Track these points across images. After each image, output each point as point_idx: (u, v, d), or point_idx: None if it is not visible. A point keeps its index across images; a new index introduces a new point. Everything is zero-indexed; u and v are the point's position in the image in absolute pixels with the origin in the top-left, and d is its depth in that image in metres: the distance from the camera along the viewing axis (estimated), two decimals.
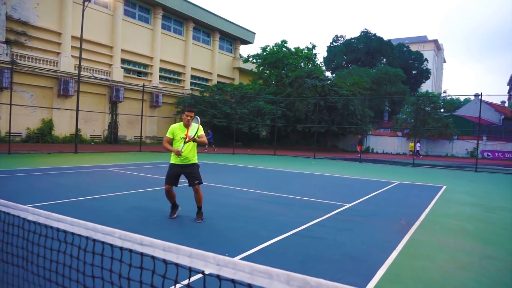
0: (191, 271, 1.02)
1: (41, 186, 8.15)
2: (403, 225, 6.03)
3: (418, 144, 31.38)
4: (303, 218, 6.16)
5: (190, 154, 5.74)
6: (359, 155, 26.94)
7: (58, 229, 1.41)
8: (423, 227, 5.99)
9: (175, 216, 5.83)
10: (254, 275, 0.89)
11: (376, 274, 3.76)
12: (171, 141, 5.78)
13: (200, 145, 5.88)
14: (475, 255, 4.67)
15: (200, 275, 1.11)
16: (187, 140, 5.51)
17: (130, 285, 1.16)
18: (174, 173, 5.71)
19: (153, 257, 1.10)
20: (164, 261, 1.07)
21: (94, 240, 1.26)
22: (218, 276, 0.96)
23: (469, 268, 4.16)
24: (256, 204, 7.40)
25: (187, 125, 5.65)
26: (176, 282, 1.03)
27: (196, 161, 5.88)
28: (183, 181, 6.11)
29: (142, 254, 1.11)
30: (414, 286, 3.55)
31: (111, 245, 1.19)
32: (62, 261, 1.48)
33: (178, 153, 5.51)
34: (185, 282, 1.09)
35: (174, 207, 5.92)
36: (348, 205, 7.56)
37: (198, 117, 5.83)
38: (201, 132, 5.72)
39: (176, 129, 5.73)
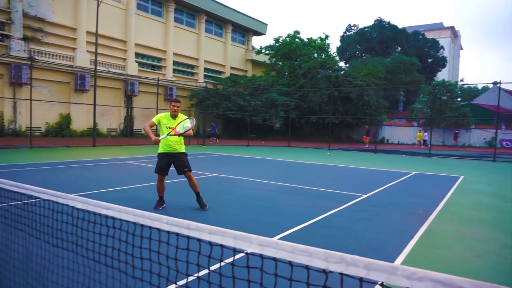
0: (235, 251, 1.14)
1: (64, 179, 8.46)
2: (420, 215, 6.07)
3: (426, 134, 30.95)
4: (320, 209, 6.26)
5: (177, 144, 5.87)
6: (366, 146, 26.76)
7: (106, 216, 1.55)
8: (441, 217, 6.02)
9: (160, 208, 5.86)
10: (295, 254, 1.00)
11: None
12: (153, 126, 5.89)
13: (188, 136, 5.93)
14: (492, 244, 4.70)
15: (243, 254, 1.24)
16: (172, 133, 5.62)
17: (177, 265, 1.29)
18: (163, 162, 5.85)
19: (199, 240, 1.22)
20: (210, 243, 1.19)
21: (142, 225, 1.39)
22: (260, 255, 1.08)
23: (487, 256, 4.20)
24: (273, 195, 7.53)
25: (174, 116, 5.80)
26: (221, 260, 1.15)
27: (184, 150, 5.98)
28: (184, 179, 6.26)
29: (188, 237, 1.24)
30: None
31: (158, 229, 1.32)
32: (111, 245, 1.63)
33: (155, 141, 5.58)
34: (230, 260, 1.21)
35: (161, 201, 5.97)
36: (364, 196, 7.62)
37: (193, 119, 5.95)
38: (188, 124, 5.80)
39: (163, 118, 5.86)
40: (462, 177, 11.45)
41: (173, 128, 5.68)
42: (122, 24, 28.83)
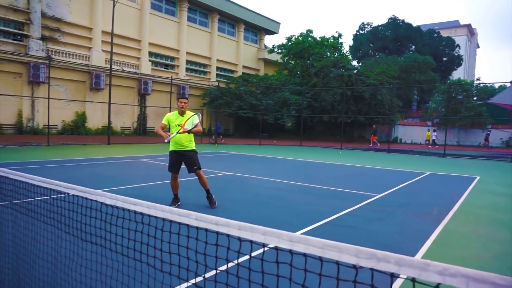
0: (265, 246, 1.17)
1: (81, 176, 8.64)
2: (436, 216, 6.02)
3: (435, 134, 30.50)
4: (334, 208, 6.26)
5: (187, 141, 5.92)
6: (371, 145, 26.52)
7: (135, 212, 1.60)
8: (457, 217, 5.96)
9: (175, 206, 5.89)
10: (325, 249, 1.03)
11: None
12: (164, 127, 5.95)
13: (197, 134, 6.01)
14: (510, 245, 4.64)
15: (273, 250, 1.27)
16: (181, 131, 5.67)
17: (206, 259, 1.33)
18: (174, 160, 5.94)
19: (228, 236, 1.26)
20: (239, 238, 1.23)
21: (170, 221, 1.44)
22: (290, 251, 1.11)
23: (505, 258, 4.16)
24: (286, 194, 7.56)
25: (182, 112, 5.86)
26: (250, 256, 1.19)
27: (194, 148, 6.04)
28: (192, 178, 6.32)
29: (217, 233, 1.28)
30: None
31: (187, 225, 1.37)
32: (139, 240, 1.69)
33: (167, 139, 5.62)
34: (258, 252, 1.24)
35: (176, 199, 6.04)
36: (378, 196, 7.58)
37: (200, 114, 5.99)
38: (197, 120, 5.83)
39: (171, 116, 5.93)
40: (478, 177, 11.28)
41: (182, 125, 5.75)
42: (137, 24, 29.18)
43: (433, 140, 30.38)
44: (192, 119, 5.84)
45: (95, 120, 26.19)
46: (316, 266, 1.18)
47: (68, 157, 12.57)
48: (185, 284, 2.37)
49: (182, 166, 6.09)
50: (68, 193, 2.05)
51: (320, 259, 1.06)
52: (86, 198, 1.86)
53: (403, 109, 41.54)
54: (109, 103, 19.90)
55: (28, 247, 2.43)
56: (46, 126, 21.02)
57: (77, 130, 24.87)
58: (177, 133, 5.72)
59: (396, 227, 5.24)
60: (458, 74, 66.67)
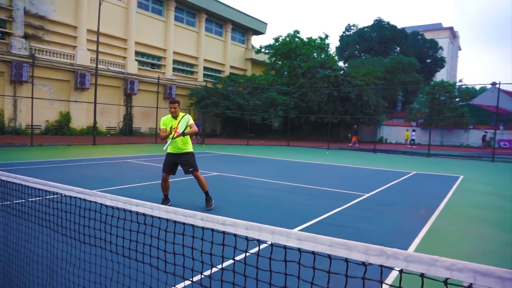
0: (273, 245, 1.19)
1: (67, 177, 8.49)
2: (423, 214, 6.15)
3: (414, 133, 31.13)
4: (324, 207, 6.33)
5: (183, 143, 5.93)
6: (355, 145, 26.88)
7: (137, 213, 1.60)
8: (443, 216, 6.10)
9: None
10: (334, 247, 1.06)
11: None
12: (165, 132, 5.94)
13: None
14: (496, 242, 4.78)
15: (265, 246, 1.29)
16: (175, 136, 5.70)
17: (212, 259, 1.34)
18: (170, 162, 5.93)
19: (235, 235, 1.28)
20: (246, 238, 1.25)
21: (175, 222, 1.45)
22: (299, 249, 1.14)
23: (492, 255, 4.28)
24: (276, 194, 7.60)
25: (175, 116, 5.85)
26: (258, 255, 1.21)
27: (191, 150, 6.05)
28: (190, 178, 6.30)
29: (224, 232, 1.29)
30: None
31: (192, 225, 1.38)
32: (141, 241, 1.68)
33: (174, 135, 5.68)
34: (264, 246, 1.26)
35: (166, 199, 6.05)
36: (367, 195, 7.70)
37: (189, 116, 6.00)
38: (191, 121, 5.88)
39: (166, 121, 5.94)
40: (462, 176, 11.56)
41: (175, 129, 5.74)
42: (123, 23, 28.81)
43: (413, 140, 30.94)
44: (184, 121, 5.82)
45: (80, 120, 25.74)
46: (326, 263, 1.20)
47: (53, 158, 12.33)
48: (188, 282, 2.38)
49: (178, 168, 6.09)
50: (62, 194, 2.03)
51: (329, 256, 1.09)
52: (85, 200, 1.84)
53: (388, 110, 42.18)
54: (95, 103, 19.60)
55: (21, 249, 2.39)
56: (29, 126, 20.55)
57: (61, 130, 24.39)
58: (172, 139, 5.73)
59: (386, 226, 5.33)
60: (441, 75, 68.07)
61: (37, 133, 23.07)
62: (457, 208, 6.79)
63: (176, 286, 1.87)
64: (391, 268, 0.98)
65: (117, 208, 1.70)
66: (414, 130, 31.75)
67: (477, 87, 63.77)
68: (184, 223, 1.41)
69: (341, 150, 23.99)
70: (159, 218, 1.51)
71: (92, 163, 11.60)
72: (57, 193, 2.03)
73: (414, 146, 29.73)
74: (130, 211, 1.64)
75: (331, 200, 7.02)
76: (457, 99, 38.89)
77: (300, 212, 6.01)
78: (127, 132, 28.83)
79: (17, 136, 21.10)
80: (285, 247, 1.16)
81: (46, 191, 2.11)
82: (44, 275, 2.22)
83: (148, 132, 30.28)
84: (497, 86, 20.02)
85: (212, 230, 1.34)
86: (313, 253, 1.11)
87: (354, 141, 27.85)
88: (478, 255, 4.25)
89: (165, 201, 6.03)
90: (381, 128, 37.75)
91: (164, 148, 5.81)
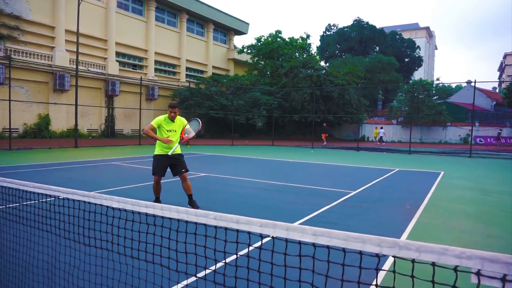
0: (288, 242, 1.25)
1: (51, 181, 8.30)
2: (409, 210, 6.34)
3: (382, 131, 31.90)
4: (313, 206, 6.43)
5: (175, 145, 5.97)
6: (324, 143, 27.35)
7: (146, 214, 1.63)
8: (428, 211, 6.31)
9: None
10: (348, 241, 1.13)
11: None
12: (153, 129, 5.87)
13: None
14: (478, 235, 4.99)
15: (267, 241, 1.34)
16: (183, 141, 5.77)
17: (225, 257, 1.39)
18: (161, 164, 5.88)
19: (249, 233, 1.32)
20: (261, 235, 1.30)
21: (186, 222, 1.48)
22: (313, 244, 1.20)
23: (475, 246, 4.47)
24: (264, 193, 7.66)
25: (172, 120, 5.86)
26: (273, 251, 1.26)
27: (180, 151, 6.08)
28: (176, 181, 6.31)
29: (237, 230, 1.34)
30: None
31: (205, 225, 1.42)
32: (151, 242, 1.71)
33: (168, 141, 5.69)
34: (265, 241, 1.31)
35: (157, 201, 6.04)
36: (353, 192, 7.86)
37: (199, 120, 6.07)
38: (196, 126, 6.07)
39: (162, 121, 5.87)
40: (442, 172, 11.93)
41: (181, 135, 5.82)
42: (102, 23, 28.28)
43: (381, 137, 31.63)
44: (192, 126, 5.98)
45: (60, 122, 25.13)
46: (340, 256, 1.27)
47: (34, 162, 12.02)
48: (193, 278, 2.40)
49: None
50: (58, 197, 2.03)
51: (344, 250, 1.15)
52: (89, 203, 1.85)
53: (369, 108, 42.98)
54: (76, 105, 19.19)
55: (19, 255, 2.36)
56: (7, 130, 19.94)
57: (40, 133, 23.75)
58: (179, 143, 5.81)
59: (374, 222, 5.48)
60: (419, 74, 69.82)
61: (15, 136, 22.40)
62: (440, 203, 7.02)
63: (188, 280, 1.90)
64: (402, 259, 1.06)
65: (125, 210, 1.71)
66: (382, 128, 32.45)
67: (453, 86, 65.70)
68: (196, 223, 1.45)
69: (325, 148, 24.30)
70: (169, 218, 1.53)
71: (76, 166, 11.38)
72: (53, 196, 2.03)
73: (383, 144, 30.48)
74: (139, 213, 1.66)
75: (319, 198, 7.14)
76: (435, 97, 40.02)
77: (289, 210, 6.10)
78: (109, 134, 28.33)
79: None
80: (299, 243, 1.22)
81: (46, 195, 2.11)
82: (45, 280, 2.20)
83: (130, 134, 29.85)
84: (472, 84, 20.72)
85: (226, 228, 1.38)
86: (327, 247, 1.17)
87: (323, 139, 28.33)
88: (463, 247, 4.42)
89: (157, 203, 6.00)
90: (363, 127, 38.43)
91: (170, 153, 5.74)
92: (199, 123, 6.03)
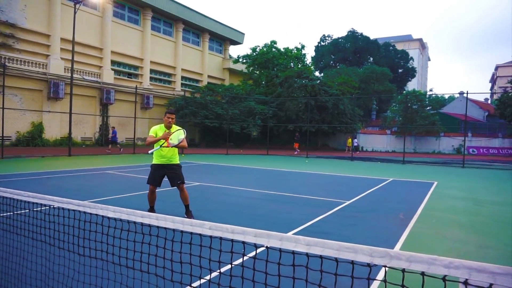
0: (281, 251, 1.27)
1: (44, 190, 8.23)
2: (402, 220, 6.38)
3: (355, 140, 32.16)
4: (307, 215, 6.45)
5: (171, 155, 5.92)
6: (295, 152, 27.45)
7: (142, 224, 1.64)
8: (421, 221, 6.35)
9: None
10: (341, 251, 1.15)
11: None
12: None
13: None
14: (472, 245, 5.03)
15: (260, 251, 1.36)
16: (165, 145, 5.67)
17: (220, 266, 1.40)
18: (157, 174, 5.86)
19: (243, 243, 1.34)
20: (255, 245, 1.32)
21: (181, 232, 1.50)
22: (306, 254, 1.22)
23: (468, 257, 4.50)
24: (259, 202, 7.66)
25: (168, 127, 5.85)
26: (267, 261, 1.28)
27: (178, 162, 6.04)
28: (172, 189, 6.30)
29: (232, 240, 1.36)
30: None
31: (200, 235, 1.43)
32: (146, 251, 1.71)
33: (166, 137, 5.63)
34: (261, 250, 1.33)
35: (152, 210, 6.03)
36: (347, 202, 7.89)
37: (185, 130, 5.98)
38: (182, 136, 5.84)
39: (158, 130, 5.87)
40: (436, 182, 12.01)
41: (166, 139, 5.71)
42: (98, 32, 28.37)
43: (355, 147, 31.84)
44: (178, 134, 5.82)
45: (53, 130, 24.98)
46: (332, 266, 1.29)
47: (27, 170, 11.92)
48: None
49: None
50: (51, 206, 2.03)
51: (336, 260, 1.18)
52: (85, 212, 1.86)
53: (363, 118, 43.32)
54: (70, 113, 19.13)
55: (11, 265, 2.34)
56: (0, 138, 19.76)
57: (33, 141, 23.57)
58: (161, 146, 5.69)
59: (368, 232, 5.50)
60: (412, 85, 70.65)
61: (7, 144, 22.19)
62: (434, 213, 7.07)
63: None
64: (393, 268, 1.08)
65: (120, 220, 1.72)
66: (355, 137, 32.70)
67: (446, 96, 66.56)
68: (191, 232, 1.46)
69: (319, 158, 24.38)
70: (165, 228, 1.55)
71: (69, 174, 11.30)
72: (46, 205, 2.03)
73: (357, 152, 30.92)
74: (135, 222, 1.67)
75: (313, 208, 7.16)
76: (428, 108, 40.43)
77: (284, 220, 6.10)
78: (103, 142, 28.18)
79: None
80: (293, 252, 1.24)
81: (40, 204, 2.11)
82: None
83: (124, 143, 29.72)
84: (465, 95, 21.03)
85: (221, 238, 1.40)
86: (320, 257, 1.19)
87: (296, 148, 28.39)
88: (456, 257, 4.45)
89: (151, 212, 5.98)
90: (358, 136, 38.65)
91: (150, 152, 5.76)
92: (184, 134, 5.91)
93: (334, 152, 32.27)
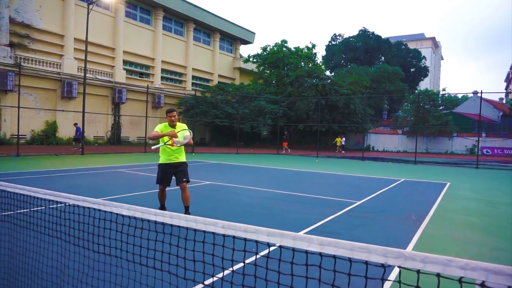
0: (294, 251, 1.27)
1: (58, 188, 8.38)
2: (414, 221, 6.30)
3: (343, 139, 31.74)
4: (318, 215, 6.42)
5: (179, 153, 5.94)
6: (283, 151, 27.22)
7: (155, 222, 1.66)
8: (433, 222, 6.27)
9: None
10: (354, 251, 1.15)
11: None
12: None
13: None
14: (485, 247, 4.95)
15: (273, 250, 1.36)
16: (169, 143, 5.68)
17: (233, 265, 1.41)
18: (166, 173, 5.86)
19: (256, 242, 1.35)
20: (268, 244, 1.32)
21: (195, 230, 1.51)
22: (320, 254, 1.22)
23: (481, 259, 4.43)
24: (269, 202, 7.66)
25: (172, 125, 5.86)
26: (280, 260, 1.28)
27: (185, 160, 6.05)
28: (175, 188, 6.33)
29: (245, 239, 1.37)
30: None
31: (213, 233, 1.44)
32: (160, 249, 1.73)
33: (172, 134, 5.62)
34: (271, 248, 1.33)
35: (163, 208, 6.05)
36: (358, 202, 7.84)
37: (190, 131, 5.95)
38: (187, 133, 5.84)
39: (163, 128, 5.88)
40: (448, 183, 11.84)
41: (171, 138, 5.73)
42: (111, 32, 28.72)
43: (343, 146, 31.46)
44: (183, 133, 5.84)
45: (67, 129, 25.37)
46: (346, 266, 1.28)
47: (41, 168, 12.14)
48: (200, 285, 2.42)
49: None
50: (66, 203, 2.06)
51: (350, 260, 1.17)
52: (100, 210, 1.89)
53: (374, 118, 42.91)
54: (83, 112, 19.41)
55: (29, 260, 2.40)
56: (15, 136, 20.19)
57: (47, 140, 23.99)
58: (165, 144, 5.72)
59: (379, 233, 5.45)
60: (425, 84, 69.72)
61: (23, 143, 22.63)
62: (446, 215, 6.97)
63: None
64: (407, 269, 1.07)
65: (135, 218, 1.74)
66: (343, 137, 32.21)
67: (459, 96, 65.50)
68: (204, 231, 1.48)
69: (330, 158, 24.26)
70: (178, 226, 1.56)
71: (82, 173, 11.47)
72: (62, 203, 2.06)
73: (343, 152, 30.54)
74: (149, 221, 1.69)
75: (324, 208, 7.13)
76: (441, 107, 39.84)
77: (294, 220, 6.09)
78: (115, 141, 28.53)
79: (1, 146, 20.65)
80: (306, 252, 1.25)
81: (57, 201, 2.14)
82: (54, 286, 2.23)
83: (136, 142, 30.03)
84: (479, 95, 20.66)
85: (234, 237, 1.41)
86: (334, 257, 1.19)
87: (285, 147, 28.18)
88: (468, 259, 4.39)
89: (162, 210, 6.02)
90: (368, 136, 38.33)
91: (153, 147, 5.73)
92: (190, 133, 5.90)
93: (346, 152, 32.04)
